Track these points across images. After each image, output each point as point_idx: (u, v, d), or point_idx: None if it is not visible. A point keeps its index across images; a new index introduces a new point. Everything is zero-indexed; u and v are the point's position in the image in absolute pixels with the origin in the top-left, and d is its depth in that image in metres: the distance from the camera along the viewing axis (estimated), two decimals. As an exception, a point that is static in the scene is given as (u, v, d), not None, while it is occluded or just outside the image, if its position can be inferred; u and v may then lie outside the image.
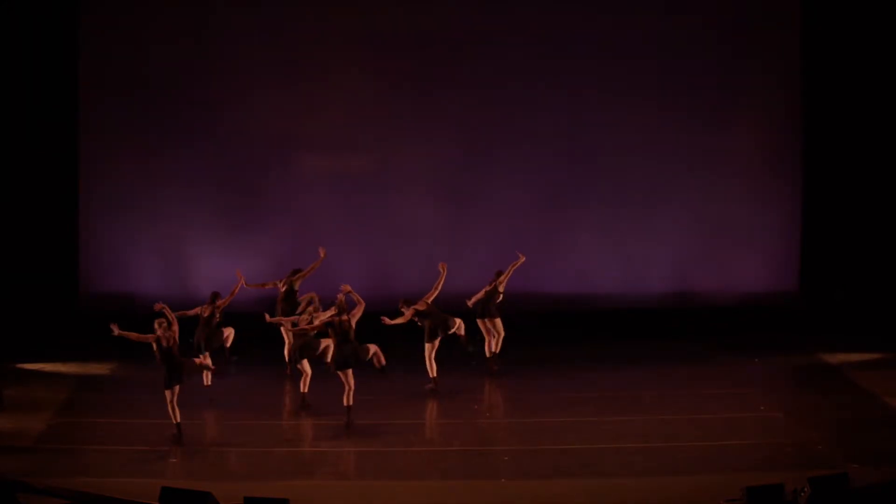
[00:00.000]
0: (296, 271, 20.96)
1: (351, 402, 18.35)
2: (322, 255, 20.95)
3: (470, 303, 20.78)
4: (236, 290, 20.40)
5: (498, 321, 20.92)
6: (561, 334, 23.17)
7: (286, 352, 20.61)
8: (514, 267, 20.91)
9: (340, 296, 18.68)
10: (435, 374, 20.02)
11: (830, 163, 23.61)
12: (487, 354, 21.04)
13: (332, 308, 18.49)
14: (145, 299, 21.25)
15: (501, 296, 20.87)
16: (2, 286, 22.58)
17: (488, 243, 23.37)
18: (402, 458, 17.28)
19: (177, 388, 17.60)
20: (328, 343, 18.83)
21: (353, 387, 18.33)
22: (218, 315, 19.98)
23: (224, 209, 23.31)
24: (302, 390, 19.30)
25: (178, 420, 17.63)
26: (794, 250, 23.87)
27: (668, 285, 23.77)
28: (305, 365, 19.18)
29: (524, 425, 18.49)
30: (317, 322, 18.66)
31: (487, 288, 20.85)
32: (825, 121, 23.56)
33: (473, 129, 23.55)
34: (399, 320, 19.74)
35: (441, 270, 19.98)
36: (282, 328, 20.42)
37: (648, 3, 23.54)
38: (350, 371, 18.32)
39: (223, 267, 21.83)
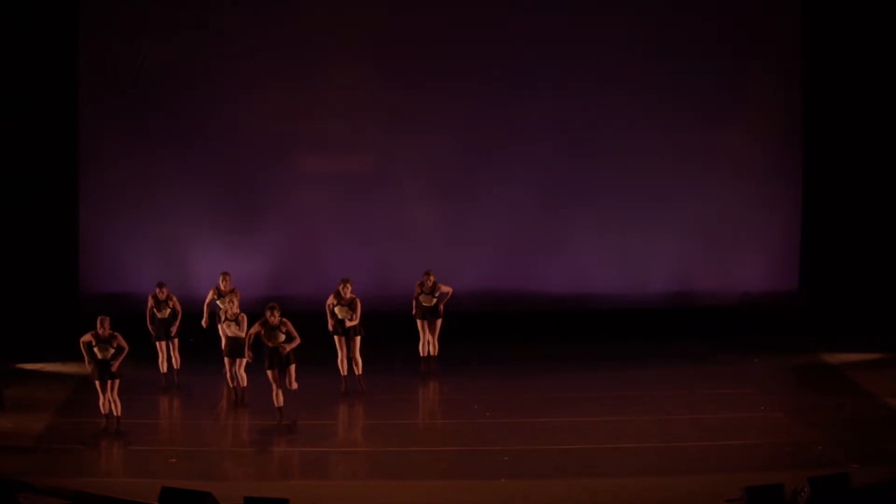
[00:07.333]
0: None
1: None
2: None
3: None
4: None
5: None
6: (561, 334, 23.15)
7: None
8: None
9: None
10: None
11: (831, 163, 23.58)
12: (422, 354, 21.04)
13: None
14: (145, 299, 21.21)
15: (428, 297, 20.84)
16: (2, 286, 22.56)
17: (489, 243, 23.36)
18: (402, 458, 17.28)
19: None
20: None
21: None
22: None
23: (224, 209, 23.28)
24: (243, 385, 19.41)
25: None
26: (794, 250, 23.84)
27: (668, 285, 23.73)
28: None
29: (524, 425, 18.46)
30: None
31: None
32: (825, 121, 23.53)
33: (473, 129, 23.52)
34: None
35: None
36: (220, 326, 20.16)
37: (649, 3, 23.52)
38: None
39: (223, 267, 21.76)
